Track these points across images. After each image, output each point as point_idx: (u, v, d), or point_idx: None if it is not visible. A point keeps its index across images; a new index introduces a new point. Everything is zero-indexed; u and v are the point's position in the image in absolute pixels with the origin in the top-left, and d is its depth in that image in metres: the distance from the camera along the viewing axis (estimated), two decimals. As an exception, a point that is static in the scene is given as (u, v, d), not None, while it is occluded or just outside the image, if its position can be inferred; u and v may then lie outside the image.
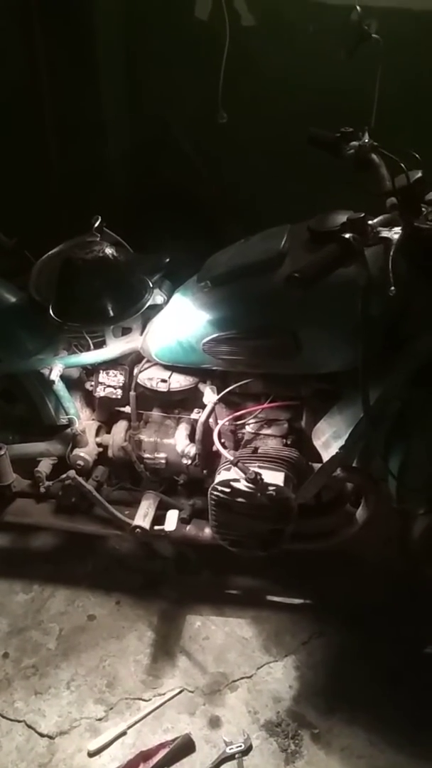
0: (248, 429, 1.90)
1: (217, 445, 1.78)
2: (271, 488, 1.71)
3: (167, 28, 2.94)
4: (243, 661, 2.01)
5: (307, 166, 2.81)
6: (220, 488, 1.76)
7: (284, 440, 1.86)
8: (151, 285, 1.80)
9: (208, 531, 2.00)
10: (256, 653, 2.04)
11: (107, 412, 2.11)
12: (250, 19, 2.78)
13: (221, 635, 2.09)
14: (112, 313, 1.74)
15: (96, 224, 1.84)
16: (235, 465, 1.71)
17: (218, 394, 1.88)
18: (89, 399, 2.12)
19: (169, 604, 2.18)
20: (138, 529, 1.92)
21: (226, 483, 1.75)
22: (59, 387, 1.95)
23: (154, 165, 3.22)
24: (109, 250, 1.70)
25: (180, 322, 1.82)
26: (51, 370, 1.91)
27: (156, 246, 2.09)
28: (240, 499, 1.75)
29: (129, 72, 3.13)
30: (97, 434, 2.10)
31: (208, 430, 1.88)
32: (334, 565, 2.18)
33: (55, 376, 1.89)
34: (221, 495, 1.76)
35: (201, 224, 2.92)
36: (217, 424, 1.87)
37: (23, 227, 2.12)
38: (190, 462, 1.92)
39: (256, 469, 1.72)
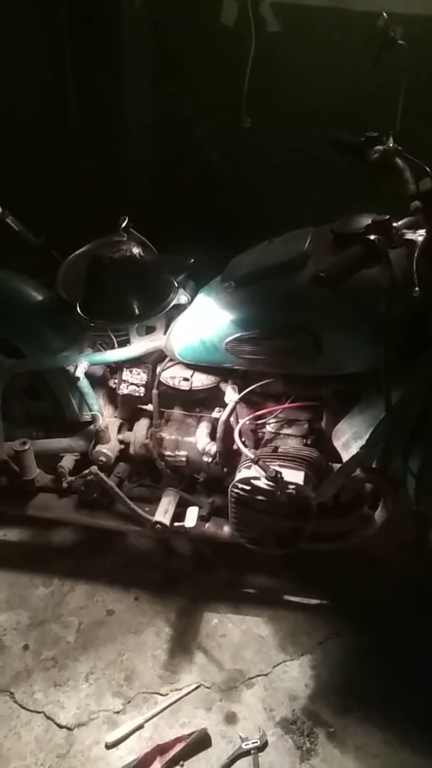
0: (268, 428, 1.92)
1: (238, 444, 1.80)
2: (291, 486, 1.73)
3: (193, 34, 2.98)
4: (259, 659, 2.03)
5: (330, 171, 2.86)
6: (240, 486, 1.78)
7: (304, 440, 1.88)
8: (176, 285, 1.83)
9: (227, 529, 2.03)
10: (272, 651, 2.05)
11: (129, 410, 2.14)
12: (276, 24, 2.81)
13: (238, 633, 2.11)
14: (137, 312, 1.77)
15: (123, 224, 1.87)
16: (256, 463, 1.73)
17: (239, 393, 1.90)
18: (112, 396, 2.15)
19: (187, 601, 2.21)
20: (158, 525, 1.95)
21: (246, 480, 1.77)
22: (83, 384, 1.98)
23: (176, 169, 3.26)
24: (135, 250, 1.74)
25: (203, 322, 1.85)
26: (76, 368, 1.94)
27: (178, 248, 2.13)
28: (260, 497, 1.77)
29: (154, 76, 3.17)
30: (119, 431, 2.13)
31: (229, 428, 1.90)
32: (352, 566, 2.19)
33: (80, 373, 1.92)
34: (241, 492, 1.78)
35: (222, 228, 2.95)
36: (238, 422, 1.89)
37: (47, 227, 2.17)
38: (210, 460, 1.94)
39: (277, 468, 1.74)
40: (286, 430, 1.91)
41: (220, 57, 2.94)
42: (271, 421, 1.91)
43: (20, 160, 2.85)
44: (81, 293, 1.80)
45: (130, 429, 2.15)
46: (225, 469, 1.97)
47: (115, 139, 3.11)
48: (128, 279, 1.74)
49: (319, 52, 2.78)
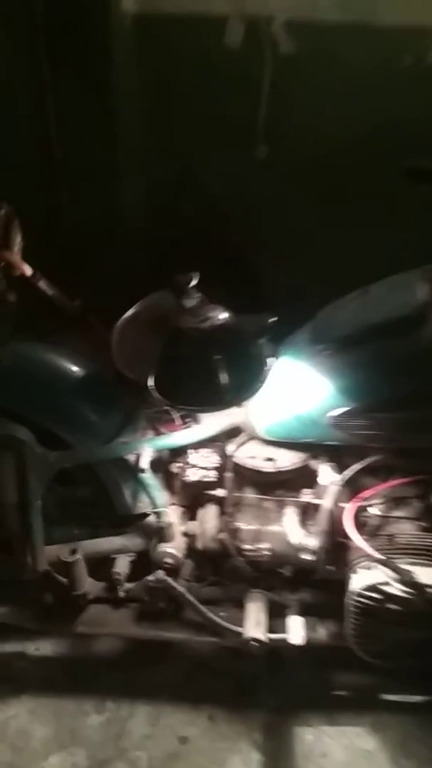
0: (373, 511, 1.62)
1: (355, 539, 1.49)
2: (429, 590, 1.42)
3: (189, 57, 2.69)
4: (373, 780, 1.71)
5: (362, 205, 2.62)
6: (366, 594, 1.46)
7: (419, 522, 1.58)
8: (268, 356, 1.51)
9: (323, 631, 1.71)
10: (385, 768, 1.73)
11: (191, 495, 1.80)
12: (290, 45, 2.55)
13: (340, 749, 1.79)
14: (233, 393, 1.44)
15: (192, 282, 1.53)
16: (385, 564, 1.42)
17: (338, 472, 1.60)
18: (168, 480, 1.81)
19: (270, 713, 1.88)
20: (256, 643, 1.60)
21: (373, 588, 1.45)
22: (147, 475, 1.64)
23: (175, 206, 2.95)
24: (223, 316, 1.41)
25: (296, 393, 1.54)
26: (138, 457, 1.59)
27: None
28: (391, 606, 1.46)
29: (144, 105, 2.87)
30: (181, 521, 1.79)
31: (333, 517, 1.59)
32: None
33: (144, 463, 1.58)
34: (368, 602, 1.46)
35: (234, 272, 2.67)
36: (338, 508, 1.58)
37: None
38: (310, 557, 1.62)
39: (408, 566, 1.43)
40: (395, 512, 1.61)
41: (222, 82, 2.67)
42: (376, 501, 1.61)
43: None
44: (157, 372, 1.45)
45: (192, 517, 1.81)
46: (329, 566, 1.64)
47: (104, 178, 2.79)
48: (222, 354, 1.41)
49: (342, 73, 2.53)
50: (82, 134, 2.69)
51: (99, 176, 2.77)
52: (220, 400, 1.43)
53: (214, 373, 1.38)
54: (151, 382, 1.43)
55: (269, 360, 1.47)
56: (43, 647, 2.06)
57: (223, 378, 1.38)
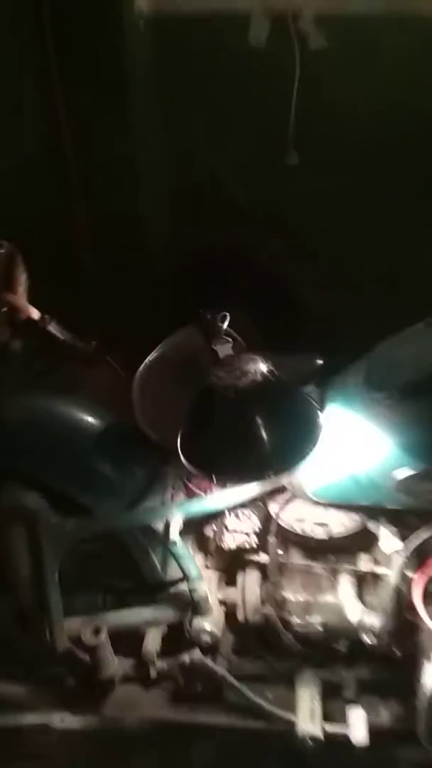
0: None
1: (428, 622, 1.25)
2: None
3: (211, 58, 2.46)
4: None
5: (402, 215, 2.39)
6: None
7: None
8: (320, 411, 1.26)
9: (386, 713, 1.48)
10: None
11: (228, 559, 1.57)
12: (321, 41, 2.31)
13: None
14: (280, 460, 1.20)
15: (224, 323, 1.30)
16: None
17: (400, 536, 1.36)
18: (202, 542, 1.59)
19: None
20: (312, 741, 1.37)
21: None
22: (178, 546, 1.41)
23: (200, 219, 2.73)
24: (263, 368, 1.17)
25: (351, 450, 1.30)
26: (167, 524, 1.37)
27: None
28: None
29: (164, 110, 2.64)
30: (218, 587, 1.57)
31: (398, 592, 1.35)
32: None
33: (175, 533, 1.36)
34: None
35: (265, 289, 2.44)
36: (405, 580, 1.35)
37: (54, 307, 1.61)
38: (372, 638, 1.38)
39: None
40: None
41: (247, 82, 2.44)
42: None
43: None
44: (186, 434, 1.21)
45: (231, 580, 1.58)
46: (395, 649, 1.41)
47: (124, 191, 2.58)
48: (262, 415, 1.17)
49: (379, 68, 2.28)
50: (96, 144, 2.49)
51: (117, 189, 2.56)
52: (264, 470, 1.20)
53: (255, 439, 1.15)
54: (179, 447, 1.20)
55: (321, 415, 1.23)
56: (68, 720, 1.84)
57: (267, 444, 1.15)
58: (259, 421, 1.15)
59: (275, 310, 2.23)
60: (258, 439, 1.15)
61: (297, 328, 2.32)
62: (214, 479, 1.24)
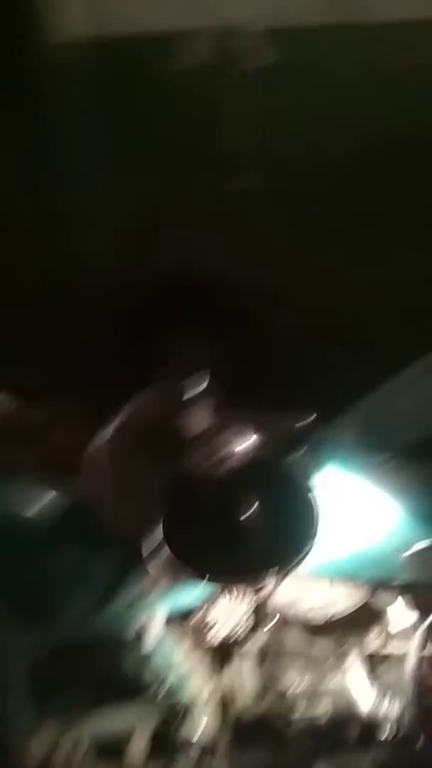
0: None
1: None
2: None
3: (151, 81, 2.30)
4: None
5: (381, 241, 2.25)
6: None
7: None
8: (315, 494, 1.07)
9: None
10: None
11: (219, 648, 1.38)
12: (268, 56, 2.17)
13: None
14: (274, 556, 1.01)
15: (202, 386, 1.10)
16: None
17: (412, 608, 1.20)
18: (189, 630, 1.39)
19: None
20: None
21: None
22: (162, 650, 1.21)
23: (146, 256, 2.54)
24: (253, 446, 0.98)
25: (353, 522, 1.13)
26: (144, 628, 1.17)
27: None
28: None
29: (98, 142, 2.46)
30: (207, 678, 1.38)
31: (418, 674, 1.18)
32: None
33: (153, 639, 1.16)
34: None
35: (223, 326, 2.27)
36: (424, 661, 1.18)
37: None
38: (388, 729, 1.21)
39: None
40: None
41: (194, 104, 2.29)
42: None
43: None
44: (165, 531, 1.01)
45: (219, 663, 1.39)
46: (417, 735, 1.24)
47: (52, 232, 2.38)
48: (249, 503, 0.98)
49: (330, 81, 2.16)
50: (14, 178, 2.29)
51: (39, 228, 2.35)
52: (255, 570, 1.01)
53: (243, 535, 0.96)
54: (165, 539, 1.00)
55: (318, 494, 1.04)
56: None
57: (258, 540, 0.96)
58: (248, 513, 0.96)
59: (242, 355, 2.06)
60: (245, 534, 0.97)
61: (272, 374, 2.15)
62: (207, 578, 1.04)
